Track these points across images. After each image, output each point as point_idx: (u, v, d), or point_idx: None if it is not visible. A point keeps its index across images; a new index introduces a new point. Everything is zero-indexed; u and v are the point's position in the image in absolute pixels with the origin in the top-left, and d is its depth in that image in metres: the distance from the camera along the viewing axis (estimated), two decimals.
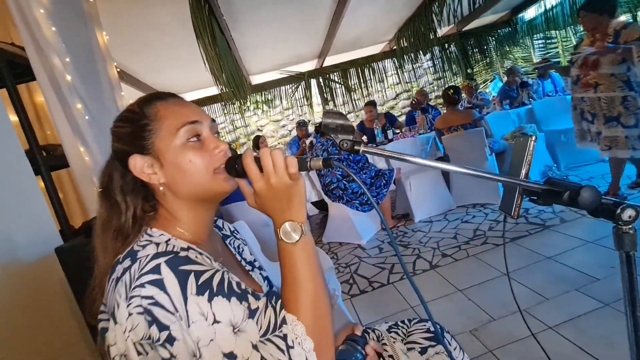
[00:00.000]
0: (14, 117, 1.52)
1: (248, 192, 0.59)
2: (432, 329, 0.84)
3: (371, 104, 4.54)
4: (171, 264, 0.50)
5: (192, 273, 0.50)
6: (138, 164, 0.59)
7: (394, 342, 0.84)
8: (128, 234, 0.58)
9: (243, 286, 0.55)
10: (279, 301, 0.56)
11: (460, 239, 2.66)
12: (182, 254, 0.52)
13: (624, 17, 4.80)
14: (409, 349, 0.82)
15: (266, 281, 0.75)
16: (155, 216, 0.61)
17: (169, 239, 0.57)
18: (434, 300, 1.94)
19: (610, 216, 0.54)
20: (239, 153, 0.61)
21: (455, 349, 0.82)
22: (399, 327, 0.89)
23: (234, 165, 0.59)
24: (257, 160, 0.56)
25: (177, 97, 0.64)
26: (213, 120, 0.64)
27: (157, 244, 0.54)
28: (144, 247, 0.53)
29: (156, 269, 0.49)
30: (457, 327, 1.64)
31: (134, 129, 0.60)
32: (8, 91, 1.51)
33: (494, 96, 5.02)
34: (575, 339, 1.41)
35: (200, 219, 0.63)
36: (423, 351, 0.80)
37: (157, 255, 0.51)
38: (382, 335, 0.87)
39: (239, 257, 0.76)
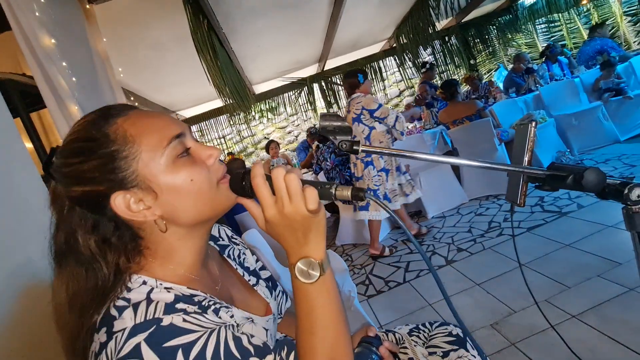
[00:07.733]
0: (29, 144, 1.58)
1: (257, 214, 0.51)
2: (454, 332, 0.82)
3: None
4: (153, 343, 0.41)
5: (180, 349, 0.42)
6: (123, 203, 0.47)
7: (415, 345, 0.83)
8: (107, 293, 0.47)
9: (245, 342, 0.47)
10: (292, 354, 0.49)
11: (475, 232, 2.62)
12: (166, 321, 0.43)
13: None
14: (430, 353, 0.81)
15: (272, 292, 0.72)
16: (139, 260, 0.51)
17: (151, 290, 0.47)
18: (452, 296, 1.91)
19: (619, 197, 0.53)
20: (246, 166, 0.56)
21: (475, 357, 0.79)
22: (421, 331, 0.87)
23: (241, 184, 0.50)
24: (269, 179, 0.48)
25: (135, 108, 0.52)
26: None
27: (136, 306, 0.45)
28: (120, 311, 0.44)
29: (136, 352, 0.41)
30: (478, 322, 1.62)
31: (102, 161, 0.46)
32: (22, 120, 1.58)
33: (494, 86, 4.89)
34: (599, 326, 1.37)
35: (198, 246, 0.55)
36: (445, 355, 0.79)
37: (135, 331, 0.42)
38: (402, 338, 0.86)
39: (240, 271, 0.70)
